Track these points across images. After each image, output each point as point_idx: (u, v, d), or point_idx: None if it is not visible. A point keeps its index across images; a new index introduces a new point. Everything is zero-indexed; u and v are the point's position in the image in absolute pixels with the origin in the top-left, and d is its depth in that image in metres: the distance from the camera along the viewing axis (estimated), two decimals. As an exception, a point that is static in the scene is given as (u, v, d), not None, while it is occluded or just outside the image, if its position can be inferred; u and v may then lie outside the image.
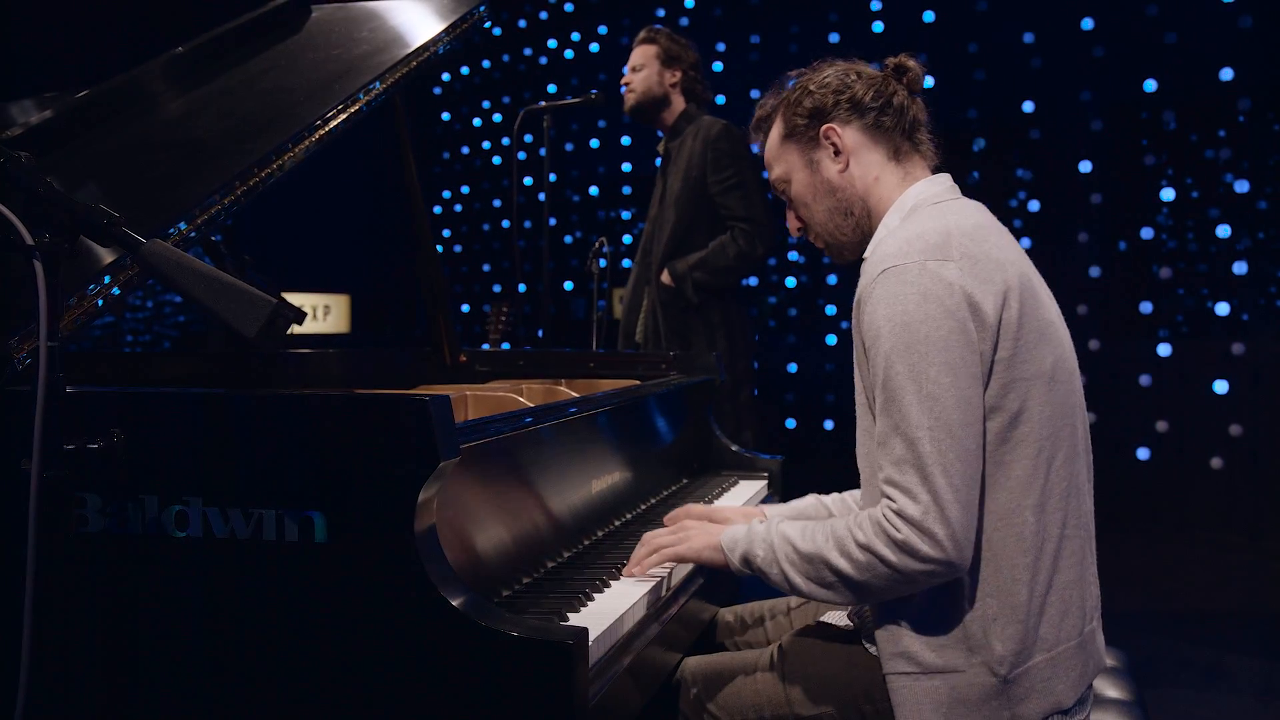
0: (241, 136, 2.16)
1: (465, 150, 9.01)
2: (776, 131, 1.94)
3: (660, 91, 4.20)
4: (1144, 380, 6.36)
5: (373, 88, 2.37)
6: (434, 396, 1.41)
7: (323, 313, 8.76)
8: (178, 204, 1.85)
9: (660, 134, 4.32)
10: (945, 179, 1.88)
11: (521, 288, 8.11)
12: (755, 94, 7.67)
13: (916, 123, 1.90)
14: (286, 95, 2.36)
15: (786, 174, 1.93)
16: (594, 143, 8.38)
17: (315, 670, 1.44)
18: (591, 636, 1.51)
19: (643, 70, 4.20)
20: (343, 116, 2.25)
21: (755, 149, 2.04)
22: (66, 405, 1.41)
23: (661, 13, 7.94)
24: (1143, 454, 6.36)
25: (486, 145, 8.90)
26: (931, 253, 1.66)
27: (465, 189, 9.00)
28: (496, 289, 8.89)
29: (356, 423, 1.42)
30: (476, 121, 8.93)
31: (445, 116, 9.04)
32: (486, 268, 8.95)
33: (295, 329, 3.22)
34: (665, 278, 4.07)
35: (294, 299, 8.27)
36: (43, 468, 1.26)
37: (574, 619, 1.62)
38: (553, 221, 8.16)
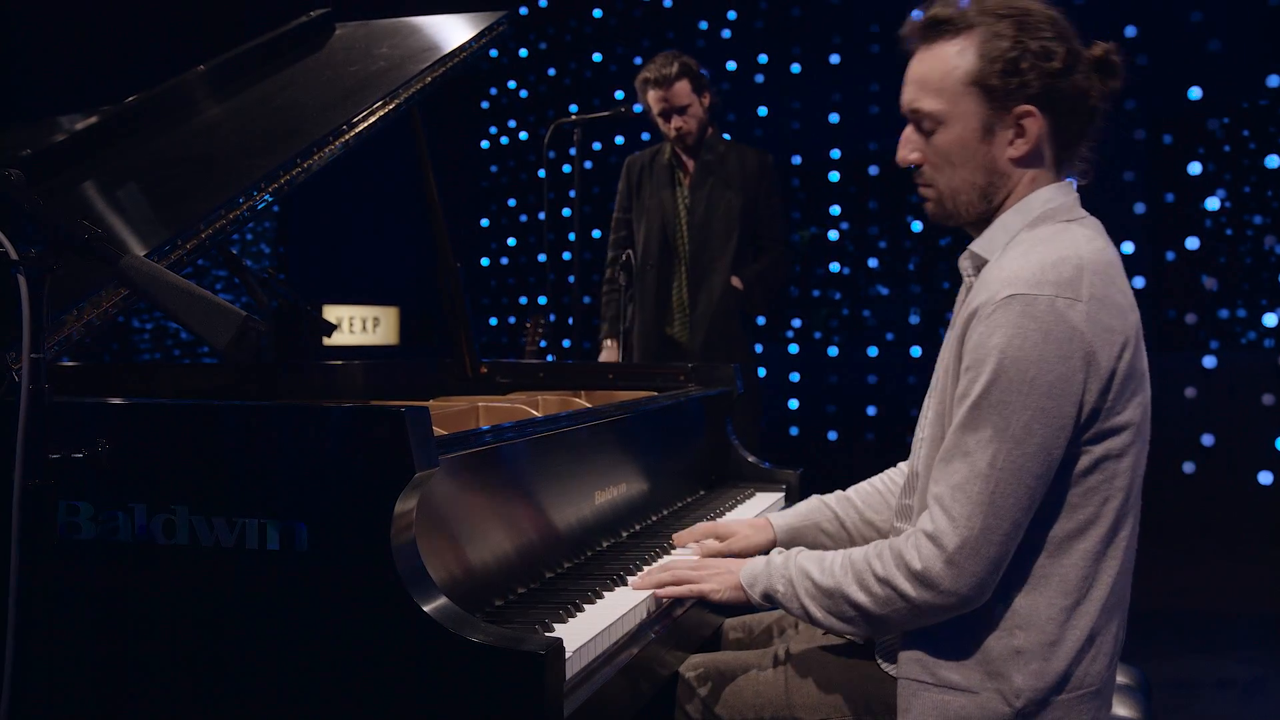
0: (251, 153, 2.20)
1: (512, 164, 9.09)
2: (961, 62, 1.65)
3: (707, 119, 4.31)
4: (1189, 392, 6.24)
5: (392, 99, 2.41)
6: (411, 408, 1.43)
7: (372, 324, 8.86)
8: (181, 218, 1.90)
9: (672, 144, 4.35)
10: (1069, 188, 1.74)
11: (565, 299, 8.15)
12: (796, 104, 7.70)
13: (1095, 132, 1.75)
14: (300, 111, 2.41)
15: (944, 117, 1.67)
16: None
17: (296, 676, 1.46)
18: (573, 647, 1.52)
19: (690, 107, 4.23)
20: (354, 131, 2.28)
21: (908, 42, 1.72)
22: (56, 416, 1.45)
23: (704, 24, 7.96)
24: (1188, 468, 6.24)
25: (532, 158, 8.97)
26: (1064, 288, 1.56)
27: (512, 201, 9.08)
28: (543, 300, 8.94)
29: (336, 434, 1.44)
30: (524, 135, 9.00)
31: (492, 130, 9.12)
32: (532, 280, 9.01)
33: (326, 340, 3.27)
34: (737, 282, 4.21)
35: (344, 311, 8.40)
36: (26, 476, 1.30)
37: (559, 629, 1.63)
38: (596, 234, 8.19)
